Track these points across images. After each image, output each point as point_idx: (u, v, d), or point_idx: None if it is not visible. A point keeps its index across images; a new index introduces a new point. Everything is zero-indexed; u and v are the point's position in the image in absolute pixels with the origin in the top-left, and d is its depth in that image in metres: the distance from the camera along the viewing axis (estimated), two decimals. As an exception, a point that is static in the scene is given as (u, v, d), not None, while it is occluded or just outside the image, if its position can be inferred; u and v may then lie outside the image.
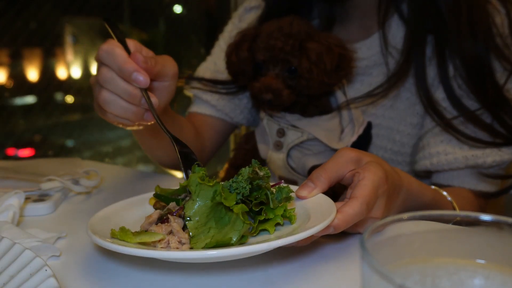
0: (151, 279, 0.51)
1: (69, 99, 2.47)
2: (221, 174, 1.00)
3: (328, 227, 0.51)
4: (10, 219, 0.61)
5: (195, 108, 1.05)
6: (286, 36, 0.83)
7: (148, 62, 0.67)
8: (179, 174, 1.16)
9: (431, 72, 0.87)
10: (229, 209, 0.51)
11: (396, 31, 0.91)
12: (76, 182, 0.79)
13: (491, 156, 0.83)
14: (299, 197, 0.59)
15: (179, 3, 2.78)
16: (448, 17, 0.83)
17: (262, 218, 0.53)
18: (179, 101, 1.10)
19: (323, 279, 0.51)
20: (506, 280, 0.33)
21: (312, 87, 0.83)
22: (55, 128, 2.40)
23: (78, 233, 0.62)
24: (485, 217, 0.34)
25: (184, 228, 0.53)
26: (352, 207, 0.54)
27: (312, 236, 0.52)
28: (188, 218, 0.52)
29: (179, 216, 0.54)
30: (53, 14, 2.24)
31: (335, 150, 0.87)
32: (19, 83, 2.22)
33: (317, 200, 0.58)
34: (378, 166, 0.59)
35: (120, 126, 0.74)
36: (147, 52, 0.71)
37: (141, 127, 0.77)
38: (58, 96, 2.44)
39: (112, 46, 0.66)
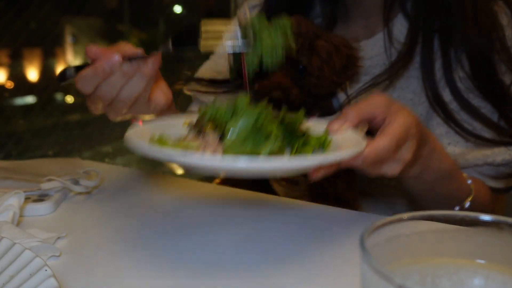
0: (152, 279, 0.51)
1: (69, 99, 2.46)
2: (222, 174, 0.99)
3: (356, 157, 0.52)
4: (10, 219, 0.61)
5: (193, 108, 1.06)
6: (295, 35, 0.83)
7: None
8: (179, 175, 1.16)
9: (437, 73, 0.87)
10: (269, 136, 0.53)
11: (400, 31, 0.90)
12: (76, 182, 0.78)
13: (500, 155, 0.83)
14: (330, 131, 0.60)
15: (179, 3, 2.79)
16: (454, 12, 0.83)
17: (301, 141, 0.56)
18: (181, 101, 1.10)
19: (323, 279, 0.51)
20: (506, 280, 0.33)
21: (323, 86, 0.83)
22: (55, 128, 2.40)
23: (78, 233, 0.62)
24: (485, 217, 0.34)
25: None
26: (381, 142, 0.55)
27: (338, 165, 0.55)
28: (227, 133, 0.53)
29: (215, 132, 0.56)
30: (53, 14, 2.24)
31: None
32: (19, 83, 2.22)
33: (347, 136, 0.59)
34: (409, 111, 0.61)
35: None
36: None
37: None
38: (58, 96, 2.44)
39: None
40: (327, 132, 0.60)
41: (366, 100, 0.62)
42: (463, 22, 0.82)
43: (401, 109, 0.61)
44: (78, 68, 0.68)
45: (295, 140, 0.57)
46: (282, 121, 0.57)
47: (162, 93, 0.76)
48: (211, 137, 0.54)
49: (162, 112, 0.78)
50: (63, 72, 0.70)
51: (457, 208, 0.76)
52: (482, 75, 0.83)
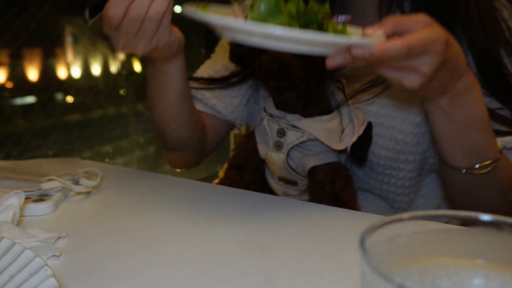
0: (152, 280, 0.51)
1: (69, 99, 2.46)
2: (221, 174, 1.00)
3: (364, 48, 0.55)
4: (10, 219, 0.61)
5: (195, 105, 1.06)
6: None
7: None
8: (180, 174, 1.16)
9: None
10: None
11: None
12: (76, 182, 0.78)
13: None
14: (364, 34, 0.61)
15: (179, 3, 2.79)
16: (457, 12, 0.83)
17: (316, 26, 0.60)
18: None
19: (323, 279, 0.51)
20: (506, 280, 0.33)
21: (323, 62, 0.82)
22: (55, 128, 2.39)
23: (78, 233, 0.62)
24: (485, 217, 0.34)
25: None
26: (393, 42, 0.56)
27: (348, 55, 0.58)
28: (251, 12, 0.59)
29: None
30: (53, 14, 2.24)
31: (336, 151, 0.87)
32: (19, 83, 2.22)
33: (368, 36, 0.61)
34: (444, 30, 0.60)
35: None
36: None
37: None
38: (58, 96, 2.44)
39: None
40: (345, 26, 0.62)
41: (409, 14, 0.63)
42: (468, 22, 0.82)
43: (435, 26, 0.60)
44: (92, 8, 0.73)
45: (311, 24, 0.60)
46: (310, 9, 0.60)
47: (178, 31, 0.82)
48: (238, 10, 0.63)
49: (178, 51, 0.83)
50: (84, 16, 0.75)
51: (477, 165, 0.74)
52: (490, 72, 0.83)
